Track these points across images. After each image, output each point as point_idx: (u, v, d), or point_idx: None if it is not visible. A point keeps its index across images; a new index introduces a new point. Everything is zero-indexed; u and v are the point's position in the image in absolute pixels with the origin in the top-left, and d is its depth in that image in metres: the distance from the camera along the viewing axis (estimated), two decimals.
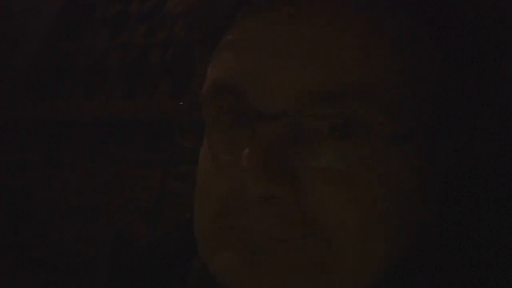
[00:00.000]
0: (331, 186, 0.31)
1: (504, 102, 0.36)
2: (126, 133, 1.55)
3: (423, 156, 0.33)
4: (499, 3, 0.35)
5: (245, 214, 0.32)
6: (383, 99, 0.31)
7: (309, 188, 0.31)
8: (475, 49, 0.34)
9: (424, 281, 0.34)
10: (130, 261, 0.47)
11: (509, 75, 0.35)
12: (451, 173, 0.35)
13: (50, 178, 1.64)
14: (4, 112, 1.75)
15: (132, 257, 0.47)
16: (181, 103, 0.37)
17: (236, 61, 0.34)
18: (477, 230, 0.35)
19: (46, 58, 1.82)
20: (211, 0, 0.39)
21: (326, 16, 0.32)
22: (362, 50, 0.31)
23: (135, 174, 1.49)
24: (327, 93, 0.31)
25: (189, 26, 1.56)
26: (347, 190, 0.31)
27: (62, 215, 1.55)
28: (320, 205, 0.31)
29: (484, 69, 0.35)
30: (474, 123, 0.36)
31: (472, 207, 0.36)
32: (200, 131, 0.37)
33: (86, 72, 1.75)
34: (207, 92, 0.35)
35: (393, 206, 0.32)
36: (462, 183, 0.36)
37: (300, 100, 0.31)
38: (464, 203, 0.36)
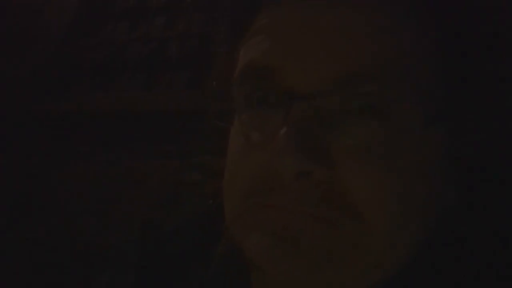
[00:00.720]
0: (362, 164, 0.32)
1: None
2: (145, 124, 1.57)
3: (449, 138, 0.34)
4: None
5: (277, 193, 0.32)
6: (412, 81, 0.32)
7: (341, 166, 0.32)
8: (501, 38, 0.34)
9: (444, 265, 0.35)
10: (157, 248, 0.47)
11: None
12: (474, 157, 0.35)
13: (68, 170, 1.66)
14: (24, 104, 1.77)
15: (158, 244, 0.47)
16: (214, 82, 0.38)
17: (270, 43, 0.34)
18: (497, 217, 0.35)
19: (66, 50, 1.84)
20: None
21: (356, 1, 0.33)
22: (391, 34, 0.32)
23: (154, 165, 1.51)
24: (358, 75, 0.32)
25: (208, 17, 1.56)
26: (378, 168, 0.32)
27: (80, 206, 1.57)
28: (351, 182, 0.32)
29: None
30: (500, 108, 0.36)
31: (492, 193, 0.36)
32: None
33: (105, 64, 1.77)
34: (241, 72, 0.36)
35: (420, 186, 0.33)
36: (483, 169, 0.36)
37: (333, 80, 0.32)
38: (484, 189, 0.36)
